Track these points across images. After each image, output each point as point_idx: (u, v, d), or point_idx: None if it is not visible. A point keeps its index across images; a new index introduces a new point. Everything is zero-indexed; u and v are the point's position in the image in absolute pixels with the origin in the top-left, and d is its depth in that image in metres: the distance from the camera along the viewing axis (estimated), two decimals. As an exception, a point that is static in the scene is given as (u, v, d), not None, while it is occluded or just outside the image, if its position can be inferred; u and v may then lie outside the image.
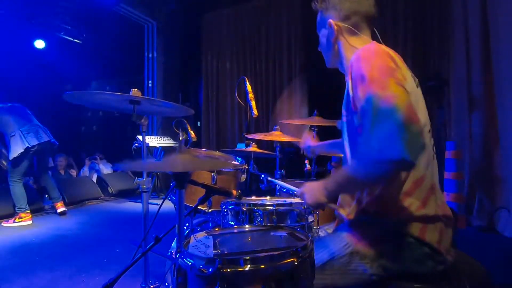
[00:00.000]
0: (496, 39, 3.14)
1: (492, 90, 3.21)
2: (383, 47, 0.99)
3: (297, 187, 1.70)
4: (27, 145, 3.60)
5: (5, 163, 4.11)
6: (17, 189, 3.68)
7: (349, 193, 1.08)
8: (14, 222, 3.64)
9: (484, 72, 3.29)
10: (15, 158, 3.61)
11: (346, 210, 1.12)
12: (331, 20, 1.11)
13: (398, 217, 0.97)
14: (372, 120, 0.83)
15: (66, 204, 4.25)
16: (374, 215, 1.01)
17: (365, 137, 0.86)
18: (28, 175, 4.12)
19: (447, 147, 3.48)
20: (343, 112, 1.12)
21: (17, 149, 3.59)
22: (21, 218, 3.67)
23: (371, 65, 0.90)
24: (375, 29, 1.15)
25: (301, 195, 1.08)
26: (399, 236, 0.97)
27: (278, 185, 1.60)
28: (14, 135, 3.64)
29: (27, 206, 3.72)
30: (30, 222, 3.71)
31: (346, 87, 1.11)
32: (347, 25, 1.10)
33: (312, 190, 1.03)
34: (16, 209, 3.69)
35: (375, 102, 0.83)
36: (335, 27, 1.11)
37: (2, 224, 3.65)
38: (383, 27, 4.44)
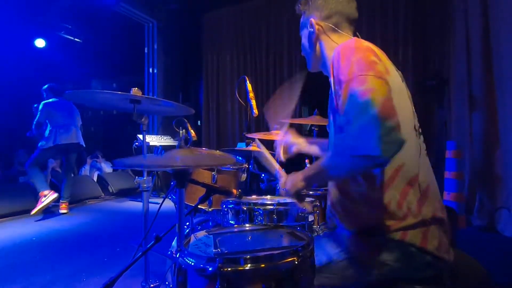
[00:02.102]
0: (496, 38, 3.13)
1: (493, 90, 3.20)
2: (364, 41, 0.97)
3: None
4: (56, 142, 3.99)
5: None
6: (34, 172, 3.94)
7: (323, 182, 1.12)
8: (41, 203, 3.77)
9: (484, 71, 3.29)
10: (44, 149, 4.00)
11: (341, 214, 1.08)
12: (312, 19, 1.13)
13: (395, 224, 0.93)
14: (351, 116, 0.83)
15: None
16: (372, 222, 0.97)
17: (345, 132, 0.87)
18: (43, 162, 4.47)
19: (447, 146, 3.48)
20: (329, 111, 1.12)
21: (48, 142, 4.00)
22: (45, 195, 3.82)
23: (351, 62, 0.89)
24: (357, 33, 1.15)
25: (284, 185, 1.11)
26: (401, 246, 0.93)
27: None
28: (51, 129, 4.05)
29: (47, 185, 3.94)
30: (56, 195, 3.88)
31: (330, 86, 1.10)
32: (328, 24, 1.11)
33: (292, 179, 1.07)
34: (38, 191, 3.85)
35: (354, 98, 0.83)
36: (316, 26, 1.12)
37: (31, 213, 3.77)
38: (383, 27, 4.44)
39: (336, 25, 1.11)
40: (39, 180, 3.93)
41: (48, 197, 3.82)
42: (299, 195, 1.09)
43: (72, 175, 4.65)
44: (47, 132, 4.07)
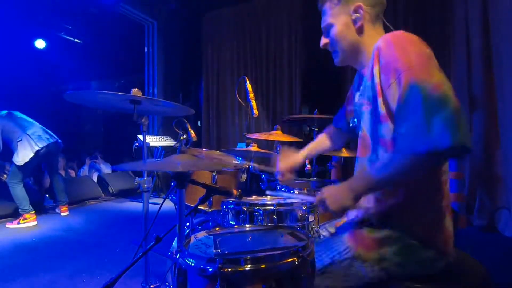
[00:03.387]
0: (497, 38, 3.13)
1: (493, 90, 3.20)
2: (411, 34, 0.96)
3: (301, 189, 1.70)
4: (36, 148, 3.58)
5: (5, 176, 4.02)
6: (18, 191, 3.62)
7: (381, 191, 1.00)
8: (18, 223, 3.58)
9: (484, 71, 3.29)
10: (26, 163, 3.56)
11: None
12: (361, 4, 1.06)
13: (406, 218, 0.94)
14: (424, 108, 0.79)
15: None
16: (380, 218, 0.98)
17: (415, 127, 0.81)
18: (29, 176, 4.04)
19: (447, 146, 3.48)
20: (362, 101, 1.09)
21: (26, 153, 3.55)
22: (26, 219, 3.61)
23: (408, 51, 0.88)
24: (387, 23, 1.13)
25: (320, 202, 0.99)
26: (403, 239, 0.94)
27: (289, 197, 1.43)
28: (21, 140, 3.58)
29: (30, 206, 3.67)
30: (35, 223, 3.66)
31: (362, 76, 1.12)
32: (374, 12, 1.08)
33: (336, 194, 0.96)
34: (19, 210, 3.63)
35: (423, 89, 0.80)
36: (366, 12, 1.07)
37: (6, 225, 3.59)
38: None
39: (378, 15, 1.10)
40: (21, 200, 3.59)
41: (27, 222, 3.58)
42: (345, 210, 0.98)
43: (63, 174, 4.34)
44: (19, 144, 3.57)
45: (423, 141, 0.79)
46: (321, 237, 1.30)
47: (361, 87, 1.12)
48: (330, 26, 1.12)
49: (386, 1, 1.12)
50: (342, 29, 1.10)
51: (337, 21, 1.11)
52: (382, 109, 0.96)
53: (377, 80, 0.95)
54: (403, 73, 0.85)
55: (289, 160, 1.43)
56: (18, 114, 3.81)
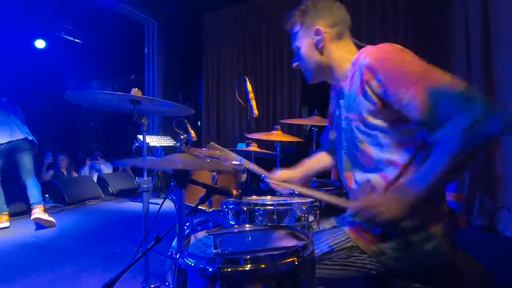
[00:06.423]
0: (496, 39, 3.13)
1: (493, 90, 3.20)
2: (395, 44, 1.00)
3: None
4: None
5: None
6: None
7: (443, 185, 1.02)
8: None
9: (484, 72, 3.29)
10: None
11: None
12: (319, 27, 1.11)
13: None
14: (453, 107, 0.81)
15: (66, 204, 4.18)
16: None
17: (459, 117, 0.80)
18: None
19: (447, 146, 3.48)
20: (348, 115, 1.08)
21: None
22: None
23: (408, 61, 0.92)
24: (355, 40, 1.17)
25: (366, 209, 0.92)
26: (402, 235, 0.96)
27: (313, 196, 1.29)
28: None
29: (5, 207, 3.51)
30: (7, 224, 3.48)
31: (340, 90, 1.13)
32: (335, 31, 1.12)
33: (386, 203, 0.90)
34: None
35: (446, 92, 0.83)
36: (325, 34, 1.11)
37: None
38: (383, 27, 4.44)
39: (341, 33, 1.14)
40: None
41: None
42: (402, 218, 0.90)
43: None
44: None
45: (471, 125, 0.78)
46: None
47: (341, 101, 1.13)
48: (297, 48, 1.19)
49: (350, 17, 1.16)
50: (307, 51, 1.16)
51: (302, 44, 1.17)
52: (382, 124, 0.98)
53: (374, 98, 0.97)
54: (414, 84, 0.87)
55: (285, 173, 1.41)
56: (3, 104, 3.67)
